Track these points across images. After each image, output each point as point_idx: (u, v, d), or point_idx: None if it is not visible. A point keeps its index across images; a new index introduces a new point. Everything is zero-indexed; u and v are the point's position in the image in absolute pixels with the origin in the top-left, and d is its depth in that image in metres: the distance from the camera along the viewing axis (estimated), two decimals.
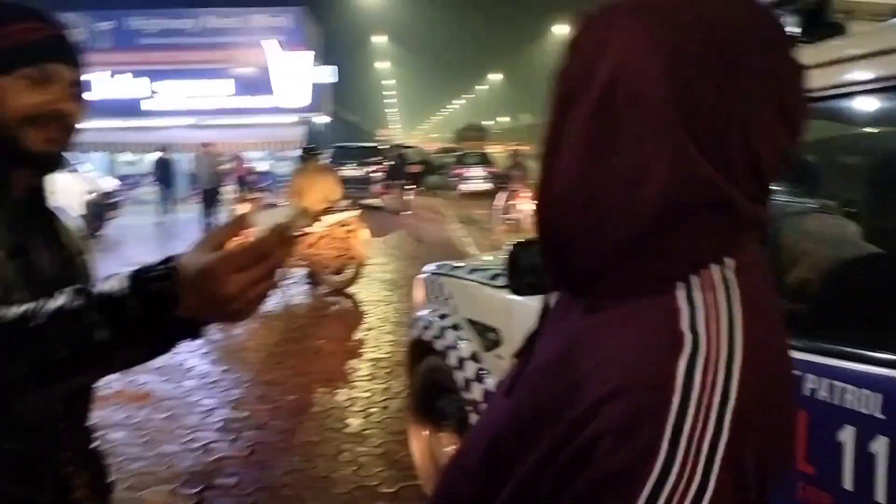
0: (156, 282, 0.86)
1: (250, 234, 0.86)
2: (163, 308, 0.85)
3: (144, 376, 5.61)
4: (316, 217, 8.05)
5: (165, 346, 0.93)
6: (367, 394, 5.08)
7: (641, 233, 0.69)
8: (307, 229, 8.32)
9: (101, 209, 14.46)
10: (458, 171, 24.00)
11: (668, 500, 0.60)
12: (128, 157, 26.14)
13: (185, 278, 0.84)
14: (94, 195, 14.31)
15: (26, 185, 1.22)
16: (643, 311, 0.69)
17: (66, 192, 14.25)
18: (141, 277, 0.87)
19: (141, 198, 20.82)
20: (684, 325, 0.66)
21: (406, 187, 19.47)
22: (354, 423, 4.53)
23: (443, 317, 3.29)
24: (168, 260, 0.87)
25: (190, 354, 6.08)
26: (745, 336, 0.66)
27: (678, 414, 0.62)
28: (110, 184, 16.25)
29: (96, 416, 4.34)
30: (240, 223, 0.89)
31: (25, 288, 1.11)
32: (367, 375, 5.53)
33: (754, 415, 0.64)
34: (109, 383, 5.46)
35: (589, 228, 0.71)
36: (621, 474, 0.62)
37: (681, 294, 0.68)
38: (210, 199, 15.14)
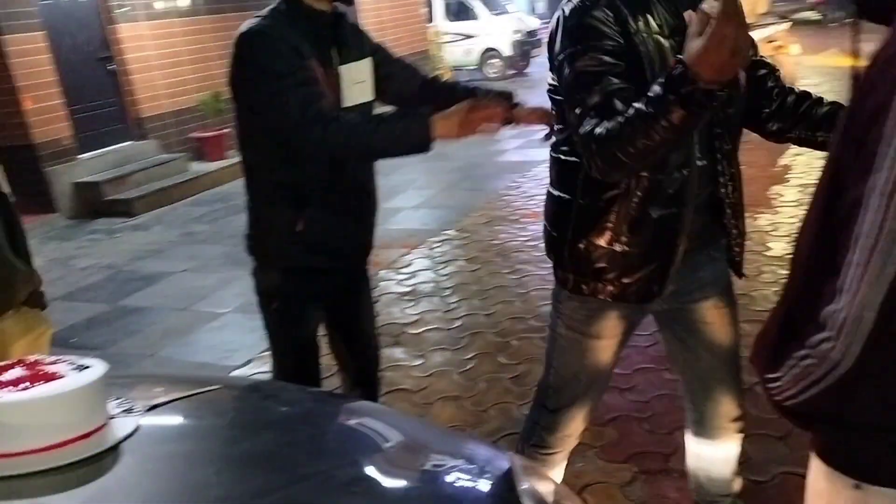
0: (685, 83, 1.20)
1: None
2: (694, 93, 1.21)
3: None
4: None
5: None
6: (792, 220, 4.81)
7: None
8: None
9: (526, 47, 15.38)
10: None
11: None
12: None
13: (695, 66, 1.18)
14: (519, 35, 15.24)
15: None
16: None
17: (497, 33, 15.57)
18: (674, 84, 1.22)
19: None
20: None
21: None
22: (777, 246, 4.38)
23: None
24: (680, 61, 1.21)
25: None
26: None
27: None
28: (533, 23, 17.08)
29: (531, 230, 4.98)
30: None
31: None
32: (794, 201, 5.20)
33: None
34: (540, 203, 6.10)
35: None
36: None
37: None
38: None
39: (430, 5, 14.92)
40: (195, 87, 8.66)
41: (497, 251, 4.99)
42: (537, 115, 2.01)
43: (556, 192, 1.70)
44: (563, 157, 1.66)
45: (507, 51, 15.15)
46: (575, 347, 1.75)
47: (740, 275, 1.79)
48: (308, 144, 1.77)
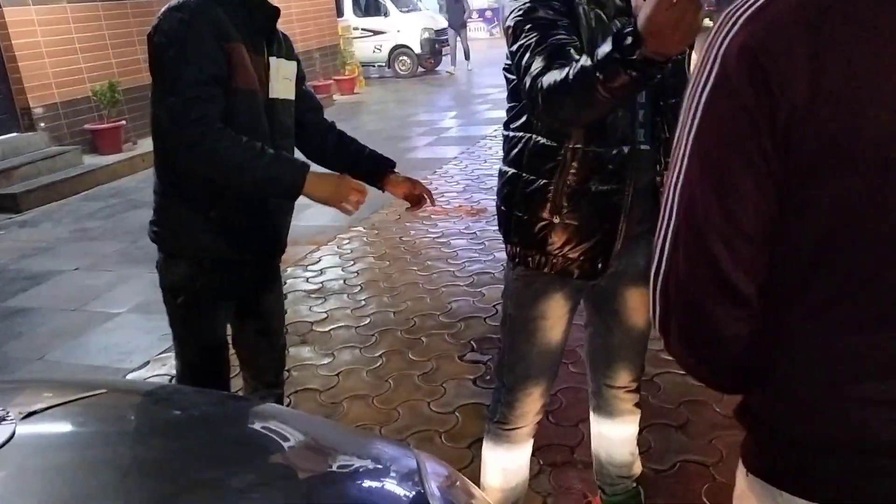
0: (631, 45, 1.20)
1: None
2: (636, 58, 1.21)
3: (479, 195, 6.16)
4: None
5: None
6: None
7: None
8: None
9: (436, 45, 15.41)
10: None
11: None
12: None
13: (643, 31, 1.17)
14: (429, 33, 15.25)
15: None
16: None
17: (408, 30, 15.51)
18: (620, 44, 1.22)
19: (468, 35, 21.70)
20: None
21: None
22: None
23: None
24: (629, 24, 1.21)
25: None
26: None
27: None
28: (444, 22, 17.12)
29: (441, 226, 4.96)
30: None
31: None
32: None
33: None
34: (450, 200, 6.14)
35: None
36: None
37: None
38: None
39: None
40: (90, 77, 8.21)
41: (407, 248, 4.96)
42: (407, 186, 2.12)
43: (505, 168, 1.76)
44: (511, 133, 1.72)
45: (417, 48, 15.14)
46: (523, 327, 1.81)
47: None
48: (179, 144, 1.68)
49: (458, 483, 1.15)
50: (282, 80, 1.91)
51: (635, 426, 2.07)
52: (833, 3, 0.73)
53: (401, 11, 15.34)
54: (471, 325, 3.69)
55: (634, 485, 2.12)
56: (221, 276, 1.92)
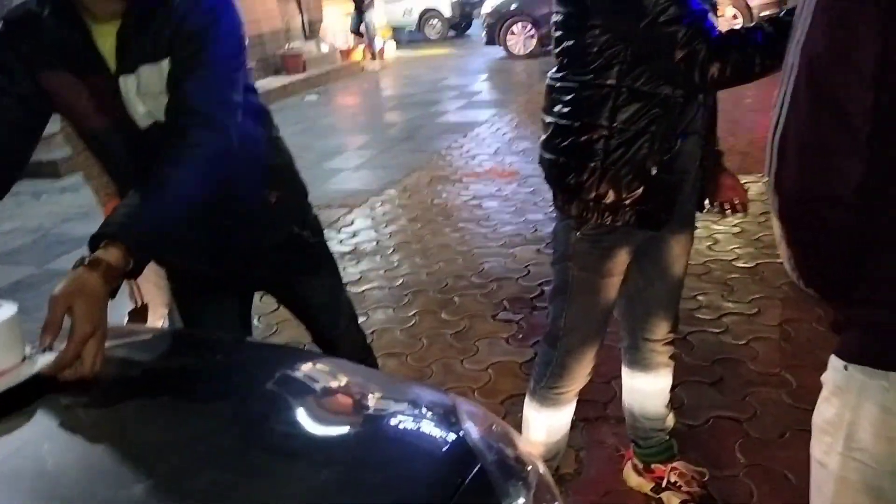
0: None
1: None
2: None
3: (510, 157, 6.14)
4: None
5: None
6: None
7: None
8: None
9: (466, 9, 15.23)
10: None
11: None
12: None
13: None
14: None
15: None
16: None
17: None
18: None
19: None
20: None
21: None
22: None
23: None
24: None
25: None
26: None
27: None
28: None
29: (473, 189, 4.95)
30: None
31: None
32: None
33: None
34: (482, 163, 6.12)
35: None
36: None
37: None
38: None
39: None
40: None
41: (439, 210, 4.97)
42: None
43: (573, 123, 1.64)
44: (592, 83, 1.60)
45: (447, 11, 14.98)
46: (590, 288, 1.77)
47: (701, 208, 1.87)
48: None
49: (494, 425, 1.17)
50: (147, 101, 1.39)
51: (669, 379, 2.07)
52: None
53: None
54: (503, 286, 3.71)
55: (668, 437, 2.13)
56: None
